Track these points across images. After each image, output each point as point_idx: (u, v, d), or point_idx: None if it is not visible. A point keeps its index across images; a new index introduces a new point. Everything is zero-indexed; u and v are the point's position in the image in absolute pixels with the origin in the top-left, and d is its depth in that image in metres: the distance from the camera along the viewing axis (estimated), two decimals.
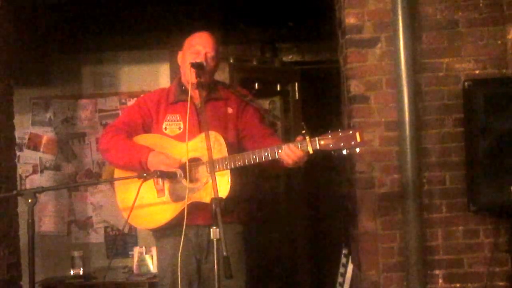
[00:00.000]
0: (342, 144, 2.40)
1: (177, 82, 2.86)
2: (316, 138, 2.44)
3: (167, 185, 2.68)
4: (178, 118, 2.76)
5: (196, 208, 2.59)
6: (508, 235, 3.19)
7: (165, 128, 2.77)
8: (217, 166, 2.50)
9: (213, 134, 2.53)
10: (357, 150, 2.45)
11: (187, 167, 2.58)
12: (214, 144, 2.49)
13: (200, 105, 2.68)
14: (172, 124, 2.76)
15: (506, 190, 2.98)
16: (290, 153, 2.46)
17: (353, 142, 2.40)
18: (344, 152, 2.42)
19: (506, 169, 2.99)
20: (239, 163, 2.53)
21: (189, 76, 2.70)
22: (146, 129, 2.82)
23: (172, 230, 2.68)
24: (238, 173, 2.59)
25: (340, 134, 2.41)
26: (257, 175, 2.96)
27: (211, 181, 2.28)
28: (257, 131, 2.79)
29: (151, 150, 2.68)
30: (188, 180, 2.59)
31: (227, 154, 2.56)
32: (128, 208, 2.62)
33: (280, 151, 2.47)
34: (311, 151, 2.44)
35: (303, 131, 2.46)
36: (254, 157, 2.51)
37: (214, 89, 2.82)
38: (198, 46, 2.74)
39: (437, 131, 3.25)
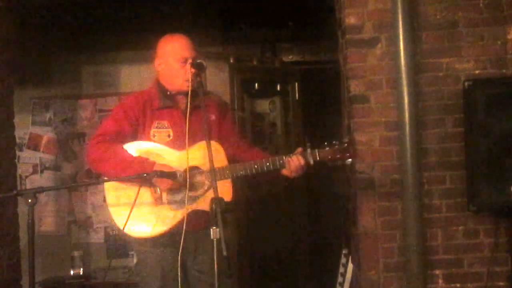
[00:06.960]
0: (338, 156, 2.60)
1: (157, 87, 2.77)
2: (316, 150, 2.60)
3: (164, 194, 2.63)
4: (166, 125, 2.70)
5: (195, 215, 2.57)
6: (508, 235, 3.19)
7: (153, 135, 2.70)
8: (218, 176, 2.46)
9: (212, 143, 2.47)
10: (349, 161, 2.65)
11: (188, 175, 2.55)
12: (214, 153, 2.42)
13: (188, 112, 2.62)
14: (161, 132, 2.70)
15: (506, 190, 2.98)
16: (294, 163, 2.57)
17: (347, 154, 2.61)
18: (338, 163, 2.63)
19: (506, 169, 2.99)
20: (241, 173, 2.57)
21: (181, 82, 2.67)
22: (134, 136, 2.72)
23: (155, 241, 2.64)
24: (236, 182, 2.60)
25: (336, 146, 2.60)
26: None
27: (211, 189, 2.27)
28: (236, 140, 2.82)
29: (153, 163, 2.59)
30: (188, 188, 2.54)
31: (227, 164, 2.58)
32: (121, 215, 2.58)
33: (281, 161, 2.57)
34: (311, 163, 2.59)
35: (308, 143, 2.60)
36: (256, 166, 2.57)
37: (195, 96, 2.70)
38: (183, 51, 2.69)
39: (437, 131, 3.24)
